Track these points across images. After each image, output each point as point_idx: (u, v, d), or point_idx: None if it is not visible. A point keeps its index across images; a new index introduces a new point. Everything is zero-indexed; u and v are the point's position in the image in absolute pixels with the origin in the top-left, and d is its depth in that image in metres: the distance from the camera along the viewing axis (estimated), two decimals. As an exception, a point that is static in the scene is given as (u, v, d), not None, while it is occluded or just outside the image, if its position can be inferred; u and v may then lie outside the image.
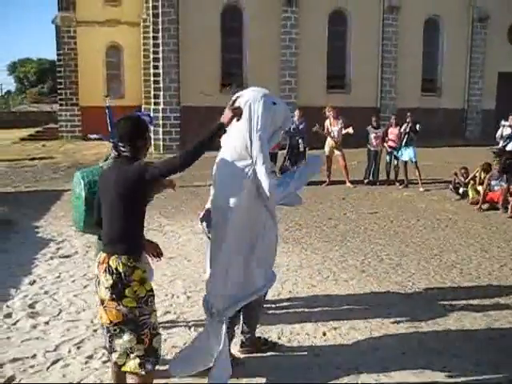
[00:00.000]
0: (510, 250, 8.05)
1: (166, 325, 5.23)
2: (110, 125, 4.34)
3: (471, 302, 5.91)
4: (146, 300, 3.45)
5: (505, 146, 13.40)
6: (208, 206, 4.48)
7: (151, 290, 3.53)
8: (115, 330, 3.47)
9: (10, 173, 16.67)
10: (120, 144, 3.54)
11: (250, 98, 4.16)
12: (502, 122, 14.34)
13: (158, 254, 3.92)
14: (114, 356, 3.54)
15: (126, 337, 3.44)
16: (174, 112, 21.59)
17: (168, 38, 21.27)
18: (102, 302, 3.48)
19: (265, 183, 4.00)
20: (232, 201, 4.02)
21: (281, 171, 13.86)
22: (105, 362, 4.44)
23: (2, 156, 20.52)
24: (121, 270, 3.38)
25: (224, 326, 4.08)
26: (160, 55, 21.40)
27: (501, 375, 4.33)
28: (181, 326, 5.27)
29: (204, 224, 4.48)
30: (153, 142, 21.57)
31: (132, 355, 3.46)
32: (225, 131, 3.89)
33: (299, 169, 5.05)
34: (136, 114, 3.76)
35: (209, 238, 4.44)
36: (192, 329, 5.17)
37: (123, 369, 3.55)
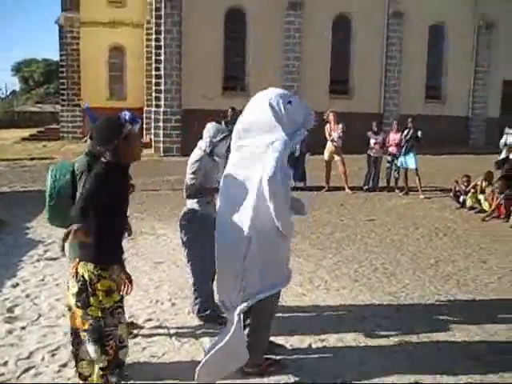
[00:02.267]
0: (509, 262, 7.82)
1: (147, 333, 5.05)
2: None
3: (466, 315, 5.69)
4: (111, 312, 3.30)
5: (508, 156, 13.14)
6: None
7: (120, 301, 3.39)
8: (84, 337, 3.36)
9: (8, 172, 16.56)
10: (99, 148, 3.38)
11: (266, 97, 4.11)
12: (506, 130, 13.91)
13: (127, 288, 3.56)
14: (80, 366, 3.43)
15: (91, 346, 3.31)
16: (174, 114, 21.45)
17: (170, 40, 21.15)
18: (70, 308, 3.38)
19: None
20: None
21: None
22: (78, 372, 4.27)
23: (2, 155, 20.42)
24: (87, 278, 3.24)
25: (238, 318, 4.02)
26: (162, 57, 21.29)
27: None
28: (162, 334, 5.07)
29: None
30: (153, 145, 21.51)
31: (96, 366, 3.33)
32: None
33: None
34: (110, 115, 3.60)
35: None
36: (173, 338, 4.97)
37: (89, 380, 3.40)
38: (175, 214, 10.61)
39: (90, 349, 3.31)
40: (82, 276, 3.24)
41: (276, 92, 4.17)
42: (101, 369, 3.31)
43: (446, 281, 6.88)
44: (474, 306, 6.00)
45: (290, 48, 22.59)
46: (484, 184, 11.59)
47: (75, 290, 3.25)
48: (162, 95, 21.46)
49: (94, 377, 3.37)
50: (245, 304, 4.02)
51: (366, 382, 4.22)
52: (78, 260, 3.34)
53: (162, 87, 21.40)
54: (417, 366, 4.51)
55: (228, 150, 4.56)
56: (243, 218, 3.93)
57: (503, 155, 13.35)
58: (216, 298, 4.38)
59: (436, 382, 4.26)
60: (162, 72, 21.35)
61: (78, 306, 3.27)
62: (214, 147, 5.04)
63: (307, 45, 22.57)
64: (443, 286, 6.68)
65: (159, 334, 5.05)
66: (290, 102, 4.08)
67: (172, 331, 5.10)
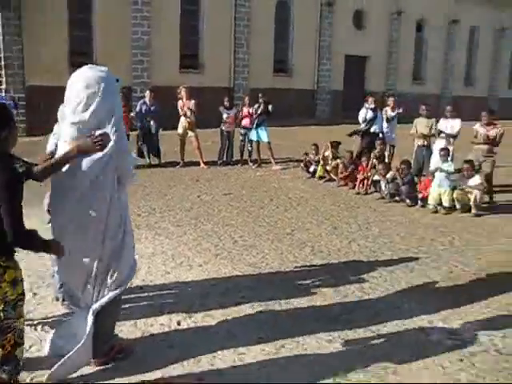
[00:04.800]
0: (358, 227, 8.46)
1: (8, 326, 4.85)
2: None
3: (322, 278, 6.11)
4: (14, 304, 3.24)
5: (368, 129, 13.52)
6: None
7: (22, 294, 3.32)
8: None
9: None
10: None
11: (96, 77, 3.89)
12: (367, 105, 14.01)
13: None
14: None
15: None
16: (18, 92, 20.14)
17: (8, 11, 19.73)
18: None
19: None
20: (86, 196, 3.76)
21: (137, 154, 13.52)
22: None
23: None
24: None
25: (91, 317, 3.89)
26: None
27: (351, 349, 4.50)
28: (26, 325, 4.88)
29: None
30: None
31: None
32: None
33: None
34: None
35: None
36: (39, 328, 4.83)
37: None
38: (27, 198, 10.13)
39: None
40: None
41: (103, 71, 3.99)
42: None
43: (302, 248, 7.29)
44: (330, 270, 6.44)
45: (138, 22, 22.04)
46: (330, 155, 12.28)
47: None
48: (3, 71, 20.04)
49: None
50: (112, 293, 3.91)
51: (236, 354, 4.41)
52: None
53: (2, 63, 20.00)
54: (280, 332, 4.77)
55: None
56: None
57: (362, 127, 13.70)
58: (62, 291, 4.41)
59: (299, 346, 4.56)
60: (1, 46, 19.91)
61: None
62: None
63: (156, 19, 22.17)
64: (300, 253, 7.07)
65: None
66: (117, 80, 3.98)
67: (36, 322, 4.94)
